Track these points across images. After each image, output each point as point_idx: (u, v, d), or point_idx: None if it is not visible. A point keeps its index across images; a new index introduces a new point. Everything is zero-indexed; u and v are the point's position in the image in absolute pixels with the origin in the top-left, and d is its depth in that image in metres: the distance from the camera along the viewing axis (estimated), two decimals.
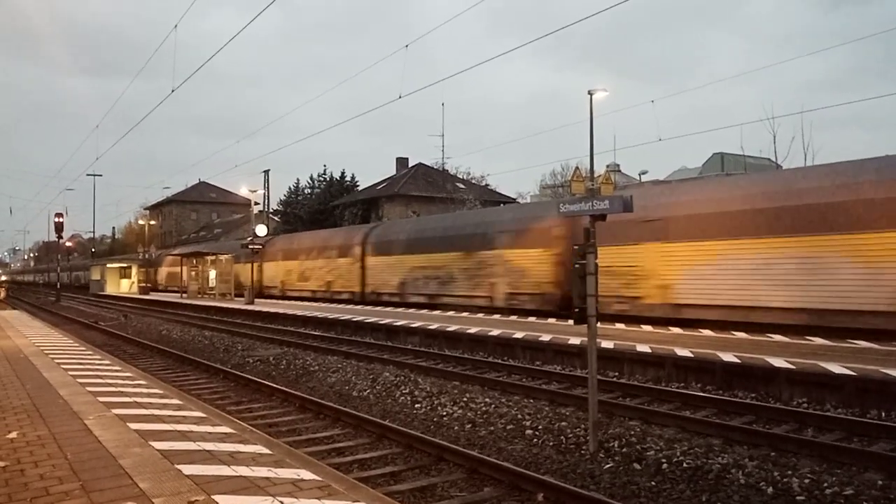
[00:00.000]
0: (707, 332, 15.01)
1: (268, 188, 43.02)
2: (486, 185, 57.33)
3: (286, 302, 33.20)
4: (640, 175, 54.71)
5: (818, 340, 13.17)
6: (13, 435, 6.18)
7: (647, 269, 17.31)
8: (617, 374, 12.21)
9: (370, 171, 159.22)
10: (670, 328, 15.95)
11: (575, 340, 13.59)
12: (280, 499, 4.40)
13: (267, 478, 4.87)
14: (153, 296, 46.71)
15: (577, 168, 10.97)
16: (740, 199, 15.73)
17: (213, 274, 41.42)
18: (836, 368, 9.87)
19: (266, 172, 42.38)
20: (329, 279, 32.64)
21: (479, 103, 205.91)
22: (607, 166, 49.40)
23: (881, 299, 12.95)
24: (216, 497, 4.40)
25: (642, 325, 16.65)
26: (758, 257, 14.85)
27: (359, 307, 27.31)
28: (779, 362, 10.52)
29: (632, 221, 15.66)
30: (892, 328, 12.75)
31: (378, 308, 26.38)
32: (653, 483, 6.68)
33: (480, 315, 21.57)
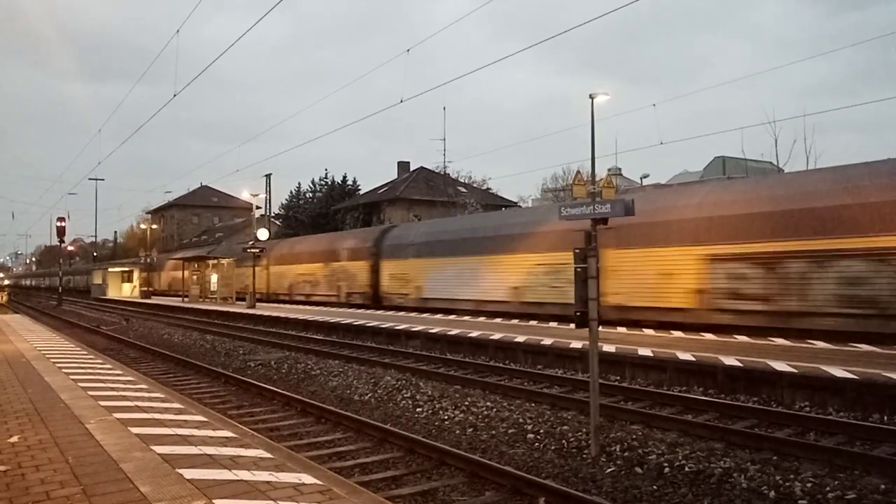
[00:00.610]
0: (709, 336, 15.00)
1: (269, 192, 43.09)
2: (488, 188, 57.37)
3: (287, 306, 33.27)
4: (641, 179, 54.79)
5: (820, 344, 13.16)
6: (14, 439, 6.18)
7: (411, 276, 27.25)
8: (618, 377, 12.19)
9: (372, 176, 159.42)
10: (672, 332, 15.95)
11: (577, 344, 13.58)
12: (281, 503, 4.40)
13: (268, 482, 4.87)
14: (155, 300, 46.77)
15: (578, 172, 11.05)
16: (449, 232, 26.34)
17: (214, 278, 41.45)
18: (838, 372, 9.85)
19: (268, 177, 42.48)
20: (247, 283, 40.36)
21: (482, 108, 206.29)
22: (609, 170, 49.42)
23: (504, 293, 22.47)
24: (217, 501, 4.40)
25: (644, 329, 16.64)
26: (456, 269, 24.71)
27: (349, 310, 27.78)
28: (781, 366, 10.51)
29: (403, 244, 27.60)
30: (509, 311, 21.92)
31: (370, 312, 26.56)
32: (655, 487, 6.67)
33: (482, 319, 21.66)
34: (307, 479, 5.00)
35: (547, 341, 14.54)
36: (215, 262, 41.44)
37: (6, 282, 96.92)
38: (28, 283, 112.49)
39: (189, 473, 5.02)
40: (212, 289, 41.44)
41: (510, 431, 8.89)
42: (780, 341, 13.74)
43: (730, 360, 11.17)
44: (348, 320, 22.09)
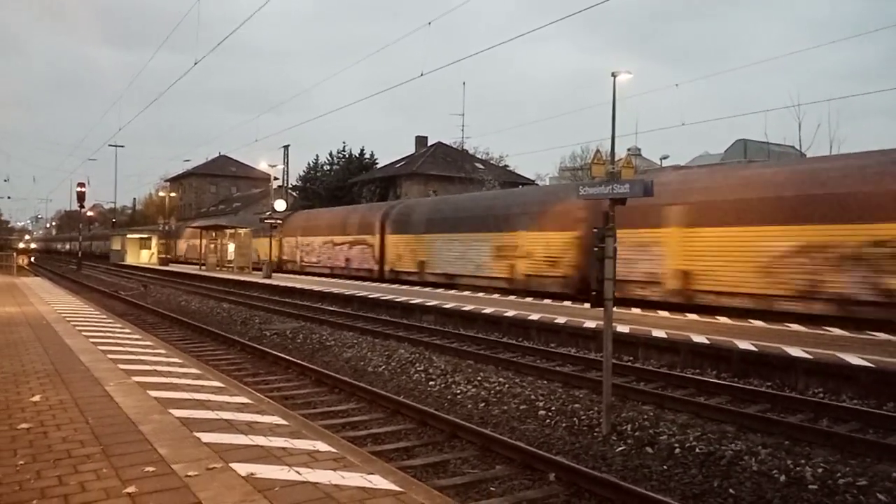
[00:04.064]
0: (724, 320, 14.93)
1: (287, 163, 43.19)
2: (505, 165, 57.07)
3: (303, 277, 33.52)
4: (661, 160, 54.24)
5: (836, 331, 13.06)
6: (37, 398, 6.32)
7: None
8: (631, 358, 12.20)
9: (392, 150, 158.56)
10: (686, 314, 15.89)
11: (590, 324, 13.58)
12: (296, 469, 4.47)
13: (283, 448, 4.95)
14: (172, 267, 47.23)
15: (597, 151, 10.92)
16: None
17: (231, 247, 41.76)
18: (853, 359, 9.79)
19: (285, 148, 42.55)
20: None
21: (506, 85, 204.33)
22: (628, 150, 48.93)
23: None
24: (233, 465, 4.48)
25: (659, 311, 16.59)
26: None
27: (374, 284, 27.78)
28: (796, 352, 10.46)
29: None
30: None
31: (394, 286, 26.63)
32: (665, 467, 6.71)
33: (496, 296, 21.66)
34: (322, 446, 5.08)
35: (560, 320, 14.55)
36: (232, 231, 41.71)
37: (32, 245, 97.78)
38: (48, 246, 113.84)
39: (206, 437, 5.12)
40: (228, 258, 41.78)
41: (522, 407, 8.95)
42: (796, 327, 13.65)
43: (744, 345, 11.13)
44: (363, 293, 22.21)
